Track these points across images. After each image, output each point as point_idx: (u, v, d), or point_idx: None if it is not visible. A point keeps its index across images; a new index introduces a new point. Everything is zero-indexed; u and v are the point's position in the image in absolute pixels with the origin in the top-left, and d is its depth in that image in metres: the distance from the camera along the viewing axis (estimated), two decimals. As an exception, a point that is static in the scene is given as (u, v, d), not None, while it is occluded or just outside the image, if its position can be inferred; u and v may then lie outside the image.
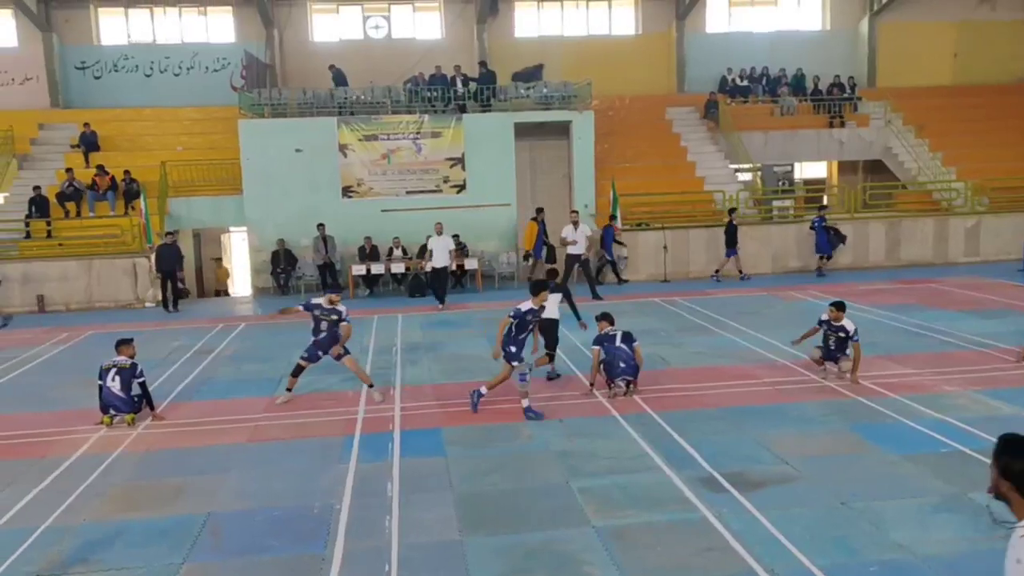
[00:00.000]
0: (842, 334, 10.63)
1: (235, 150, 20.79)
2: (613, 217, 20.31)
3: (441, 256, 17.67)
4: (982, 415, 9.10)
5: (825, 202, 21.36)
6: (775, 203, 22.67)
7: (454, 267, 19.66)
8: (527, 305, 9.86)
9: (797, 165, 27.52)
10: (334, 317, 10.60)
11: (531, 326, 10.04)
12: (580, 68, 23.98)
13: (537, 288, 10.00)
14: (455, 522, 6.86)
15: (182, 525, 6.96)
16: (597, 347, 10.43)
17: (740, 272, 20.24)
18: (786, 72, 27.15)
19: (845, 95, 26.23)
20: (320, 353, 10.65)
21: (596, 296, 17.63)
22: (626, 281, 20.58)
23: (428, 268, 18.02)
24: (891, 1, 27.18)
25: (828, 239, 20.44)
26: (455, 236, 20.13)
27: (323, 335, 10.62)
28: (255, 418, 10.08)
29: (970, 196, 22.31)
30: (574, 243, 17.85)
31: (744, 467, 7.84)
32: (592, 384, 10.55)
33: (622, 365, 10.27)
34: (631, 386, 10.37)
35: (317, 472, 8.13)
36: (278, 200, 20.49)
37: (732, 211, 20.46)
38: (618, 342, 10.36)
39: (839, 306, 10.68)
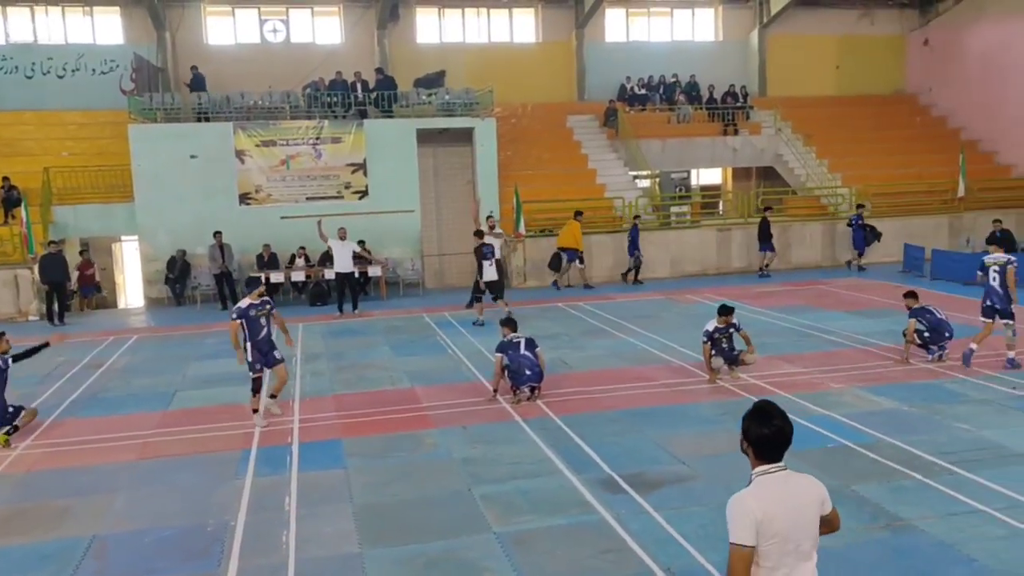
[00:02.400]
0: (731, 330, 11.05)
1: (125, 155, 19.97)
2: (638, 217, 21.00)
3: (345, 262, 17.38)
4: (865, 411, 9.54)
5: (861, 202, 21.55)
6: (673, 209, 23.23)
7: (357, 273, 19.42)
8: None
9: (693, 171, 28.30)
10: (267, 307, 10.03)
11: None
12: (482, 75, 24.06)
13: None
14: (354, 535, 6.76)
15: (65, 549, 6.64)
16: (500, 354, 10.46)
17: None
18: (679, 79, 27.86)
19: (738, 104, 27.14)
20: (266, 351, 9.93)
21: (503, 300, 17.59)
22: (640, 283, 20.72)
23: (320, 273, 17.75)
24: (779, 15, 28.25)
25: (864, 236, 20.99)
26: (360, 242, 19.89)
27: (263, 332, 9.94)
28: (146, 434, 9.70)
29: (854, 201, 23.36)
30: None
31: (642, 468, 8.00)
32: (495, 390, 10.57)
33: (528, 372, 10.33)
34: (535, 391, 10.45)
35: (211, 488, 7.88)
36: (172, 207, 19.81)
37: (767, 209, 21.65)
38: (522, 349, 10.42)
39: (727, 311, 11.06)
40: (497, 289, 16.00)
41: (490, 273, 15.86)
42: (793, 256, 22.44)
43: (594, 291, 19.73)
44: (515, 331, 10.66)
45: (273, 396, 10.25)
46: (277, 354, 10.04)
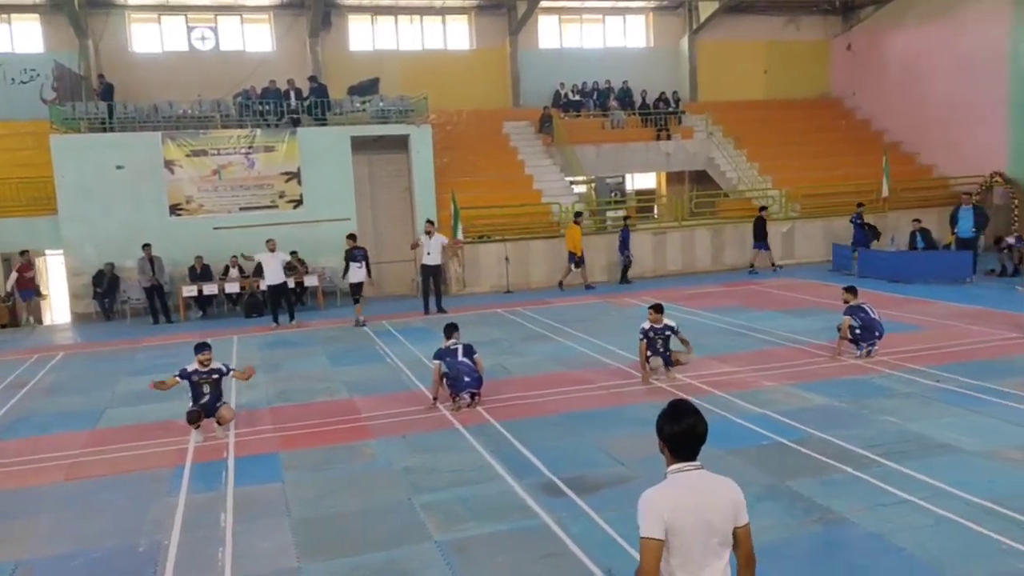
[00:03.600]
0: (667, 332, 11.20)
1: (48, 167, 19.37)
2: (628, 218, 21.66)
3: (275, 274, 17.06)
4: (797, 407, 9.76)
5: (861, 201, 21.80)
6: (609, 213, 23.47)
7: (292, 284, 19.15)
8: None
9: (628, 176, 28.67)
10: (215, 377, 9.74)
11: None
12: (416, 82, 23.98)
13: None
14: (292, 549, 6.65)
15: (-13, 577, 6.39)
16: (438, 361, 10.42)
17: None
18: (612, 85, 28.20)
19: (670, 109, 27.59)
20: (209, 407, 9.69)
21: (440, 309, 17.69)
22: (629, 282, 21.18)
23: (263, 286, 17.45)
24: (708, 21, 28.83)
25: (864, 234, 21.13)
26: (293, 252, 19.61)
27: (206, 398, 9.66)
28: (73, 454, 9.40)
29: (784, 203, 23.95)
30: (417, 246, 17.93)
31: (582, 471, 8.05)
32: (435, 398, 10.52)
33: (467, 379, 10.31)
34: (475, 398, 10.43)
35: (143, 507, 7.67)
36: (98, 220, 19.25)
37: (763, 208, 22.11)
38: (460, 356, 10.40)
39: (657, 309, 11.25)
40: (358, 292, 17.10)
41: (357, 275, 16.99)
42: (726, 257, 22.85)
43: (563, 293, 20.00)
44: (453, 338, 10.63)
45: (219, 423, 9.88)
46: (219, 403, 9.79)
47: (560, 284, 20.83)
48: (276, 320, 17.29)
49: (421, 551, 6.50)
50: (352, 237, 17.40)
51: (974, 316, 14.52)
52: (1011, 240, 18.79)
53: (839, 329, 12.04)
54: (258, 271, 18.44)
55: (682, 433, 3.44)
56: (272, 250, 17.04)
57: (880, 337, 11.96)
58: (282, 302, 17.47)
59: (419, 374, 12.25)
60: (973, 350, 12.10)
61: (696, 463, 3.47)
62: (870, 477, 7.48)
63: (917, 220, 20.94)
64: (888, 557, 6.04)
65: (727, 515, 3.44)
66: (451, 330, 10.70)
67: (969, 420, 8.93)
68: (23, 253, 19.55)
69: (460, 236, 20.46)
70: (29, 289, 19.76)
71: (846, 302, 12.12)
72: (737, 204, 24.81)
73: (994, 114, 23.62)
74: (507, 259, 20.78)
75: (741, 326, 14.78)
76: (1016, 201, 22.58)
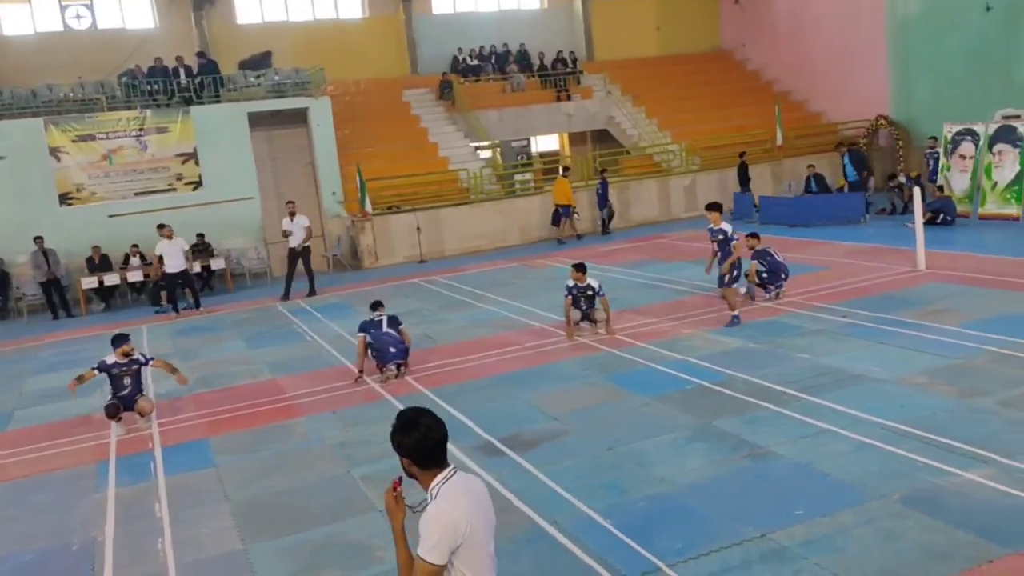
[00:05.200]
0: (589, 292, 11.38)
1: (-81, 162, 18.15)
2: (604, 171, 22.02)
3: (175, 261, 16.47)
4: (715, 351, 10.12)
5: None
6: (516, 177, 23.55)
7: (198, 269, 18.61)
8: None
9: (532, 139, 28.78)
10: (135, 368, 9.44)
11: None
12: (310, 54, 23.36)
13: None
14: (235, 532, 6.56)
15: (-90, 592, 6.09)
16: (362, 333, 10.36)
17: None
18: (510, 48, 28.15)
19: (568, 70, 27.73)
20: (128, 400, 9.37)
21: (312, 291, 17.06)
22: (610, 232, 21.81)
23: (160, 274, 16.76)
24: (600, -21, 29.06)
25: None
26: (200, 235, 19.06)
27: (127, 390, 9.35)
28: (-14, 459, 8.99)
29: (685, 157, 24.50)
30: (291, 233, 16.73)
31: (518, 429, 8.18)
32: (361, 371, 10.46)
33: (392, 350, 10.28)
34: (402, 368, 10.42)
35: (70, 506, 7.41)
36: (-18, 215, 18.20)
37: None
38: (385, 327, 10.35)
39: (579, 267, 11.42)
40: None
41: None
42: (633, 214, 23.26)
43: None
44: (378, 310, 10.57)
45: (140, 415, 9.56)
46: (137, 396, 9.48)
47: (559, 239, 21.30)
48: (176, 309, 16.66)
49: (366, 521, 6.52)
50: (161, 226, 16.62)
51: (870, 253, 15.26)
52: (902, 179, 19.75)
53: (746, 275, 12.48)
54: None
55: (423, 439, 3.13)
56: (169, 236, 16.38)
57: (786, 279, 12.47)
58: (184, 290, 16.87)
59: (341, 349, 12.13)
60: (872, 285, 12.74)
61: (450, 466, 3.21)
62: (790, 411, 7.85)
63: (811, 166, 21.78)
64: (815, 483, 6.37)
65: (492, 514, 3.31)
66: (377, 305, 10.66)
67: (876, 351, 9.44)
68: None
69: (368, 208, 20.23)
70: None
71: (751, 248, 12.55)
72: (640, 161, 25.26)
73: (876, 60, 24.62)
74: (419, 228, 20.64)
75: (653, 278, 15.14)
76: (900, 142, 23.70)
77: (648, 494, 6.51)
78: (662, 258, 17.34)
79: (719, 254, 11.79)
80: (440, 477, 3.17)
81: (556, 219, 21.58)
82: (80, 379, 9.39)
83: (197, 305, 16.85)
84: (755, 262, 12.37)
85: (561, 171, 21.87)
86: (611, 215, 22.21)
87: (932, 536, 5.41)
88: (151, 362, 9.75)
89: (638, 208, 23.34)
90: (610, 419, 8.27)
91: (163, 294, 17.26)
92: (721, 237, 11.65)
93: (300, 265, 17.02)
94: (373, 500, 6.87)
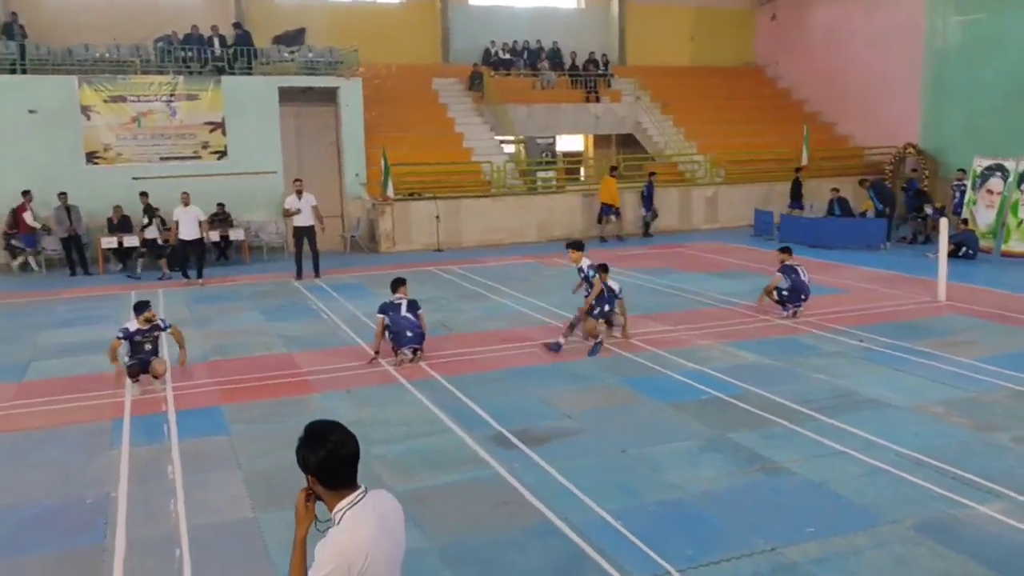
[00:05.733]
0: (609, 293, 11.39)
1: (-47, 109, 18.25)
2: (653, 174, 22.45)
3: (190, 228, 16.51)
4: (731, 364, 10.12)
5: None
6: (539, 174, 23.55)
7: (216, 238, 18.69)
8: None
9: (557, 138, 28.74)
10: (155, 334, 9.62)
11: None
12: (344, 34, 23.41)
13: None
14: (247, 500, 6.61)
15: (-76, 532, 6.15)
16: (382, 315, 10.39)
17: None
18: (543, 45, 28.13)
19: (599, 72, 27.71)
20: (146, 360, 9.54)
21: (317, 274, 16.79)
22: (651, 235, 22.30)
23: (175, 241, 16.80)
24: (638, -16, 29.02)
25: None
26: (220, 205, 19.14)
27: (146, 355, 9.53)
28: (3, 407, 9.04)
29: (709, 168, 24.46)
30: (298, 212, 16.40)
31: (530, 424, 8.19)
32: (377, 352, 10.49)
33: (409, 334, 10.32)
34: (417, 353, 10.45)
35: (85, 460, 7.47)
36: (9, 167, 18.23)
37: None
38: (403, 311, 10.39)
39: (603, 268, 11.43)
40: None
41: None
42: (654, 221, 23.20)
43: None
44: (398, 292, 10.59)
45: (155, 377, 9.64)
46: (153, 358, 9.63)
47: (601, 237, 21.66)
48: (186, 275, 16.75)
49: (378, 501, 6.53)
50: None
51: (890, 280, 15.23)
52: (929, 210, 19.70)
53: (766, 288, 12.46)
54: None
55: (330, 456, 2.86)
56: (186, 204, 16.48)
57: (806, 300, 12.45)
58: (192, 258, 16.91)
59: (357, 330, 12.17)
60: (891, 312, 12.71)
61: (360, 488, 2.94)
62: (806, 430, 7.85)
63: (835, 189, 21.70)
64: (828, 502, 6.38)
65: (402, 539, 3.06)
66: (398, 284, 10.70)
67: (893, 377, 9.43)
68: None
69: (390, 193, 20.26)
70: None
71: (782, 261, 12.55)
72: (663, 168, 25.19)
73: (909, 87, 24.52)
74: (438, 217, 20.67)
75: (671, 287, 15.14)
76: (927, 172, 23.60)
77: (660, 499, 6.53)
78: (681, 267, 17.33)
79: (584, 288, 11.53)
80: (347, 501, 2.88)
81: (600, 217, 21.95)
82: (113, 355, 9.59)
83: (199, 275, 16.79)
84: (780, 275, 12.35)
85: (609, 171, 22.32)
86: (654, 217, 22.49)
87: (946, 565, 5.41)
88: (169, 329, 9.82)
89: (660, 215, 23.29)
90: (624, 422, 8.28)
91: (163, 261, 17.45)
92: (583, 276, 11.40)
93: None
94: (387, 480, 6.90)
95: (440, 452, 7.53)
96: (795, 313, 12.39)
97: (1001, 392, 8.84)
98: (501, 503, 6.53)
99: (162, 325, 9.70)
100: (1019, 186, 17.71)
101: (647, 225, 22.52)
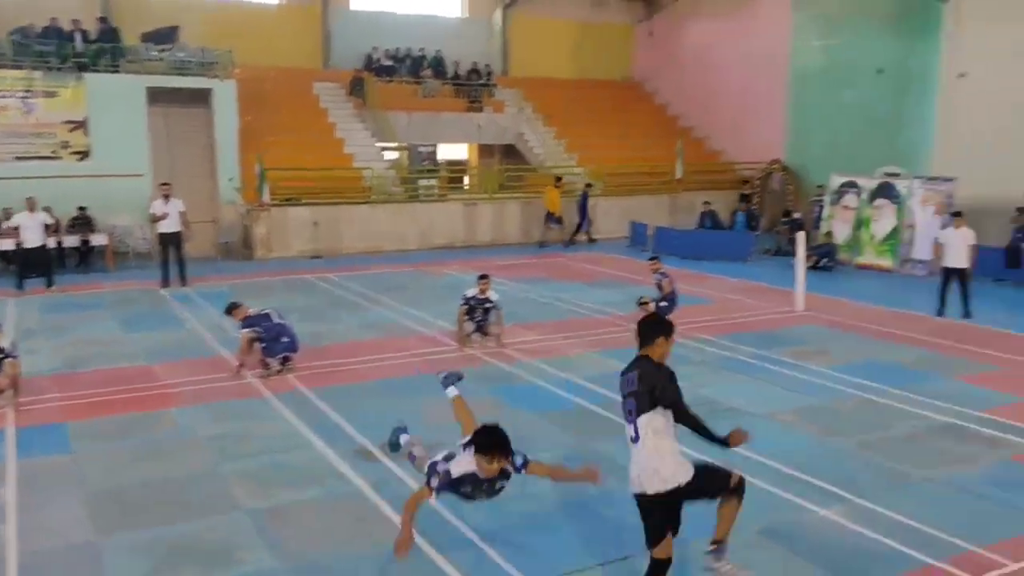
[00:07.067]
0: (488, 304, 11.42)
1: None
2: (589, 185, 23.06)
3: (34, 235, 15.58)
4: (601, 372, 10.26)
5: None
6: (421, 182, 23.44)
7: (77, 243, 17.72)
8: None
9: (440, 146, 28.73)
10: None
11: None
12: (219, 35, 22.65)
13: None
14: (87, 522, 6.24)
15: None
16: (247, 330, 10.03)
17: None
18: (425, 53, 28.03)
19: (482, 82, 27.83)
20: None
21: (183, 281, 16.11)
22: (594, 241, 22.93)
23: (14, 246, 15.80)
24: (521, -4, 29.34)
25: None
26: (82, 208, 18.19)
27: None
28: None
29: (589, 180, 24.89)
30: (164, 217, 15.83)
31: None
32: (241, 364, 10.15)
33: (285, 340, 10.08)
34: (287, 363, 10.17)
35: (-94, 484, 6.89)
36: None
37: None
38: (275, 318, 10.11)
39: (485, 278, 11.47)
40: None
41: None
42: (534, 231, 23.47)
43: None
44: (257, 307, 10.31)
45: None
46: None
47: (540, 243, 22.43)
48: (21, 286, 15.65)
49: (230, 520, 6.31)
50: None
51: (754, 291, 15.87)
52: (796, 215, 20.71)
53: (639, 300, 12.79)
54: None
55: None
56: (32, 209, 15.55)
57: (670, 306, 12.79)
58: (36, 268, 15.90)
59: (223, 340, 11.75)
60: (753, 322, 13.24)
61: None
62: (666, 437, 8.02)
63: (707, 203, 22.53)
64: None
65: None
66: (232, 309, 10.37)
67: (750, 386, 9.80)
68: None
69: (267, 198, 19.73)
70: None
71: (655, 270, 12.89)
72: (545, 180, 25.47)
73: (776, 107, 25.72)
74: (316, 223, 20.25)
75: (548, 296, 15.30)
76: (791, 187, 24.79)
77: (522, 510, 6.54)
78: (558, 277, 17.55)
79: None
80: None
81: (546, 223, 22.81)
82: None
83: (49, 284, 15.84)
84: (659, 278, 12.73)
85: (554, 181, 22.91)
86: (586, 227, 23.03)
87: (786, 569, 5.63)
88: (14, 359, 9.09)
89: (538, 226, 23.56)
90: (491, 433, 8.25)
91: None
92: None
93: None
94: (240, 499, 6.66)
95: (300, 467, 7.33)
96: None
97: (850, 400, 9.31)
98: (360, 519, 6.40)
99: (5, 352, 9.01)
100: (871, 202, 18.82)
101: (574, 232, 22.98)
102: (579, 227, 23.13)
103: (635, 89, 31.94)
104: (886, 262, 18.37)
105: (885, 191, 18.78)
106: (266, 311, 10.18)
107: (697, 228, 22.14)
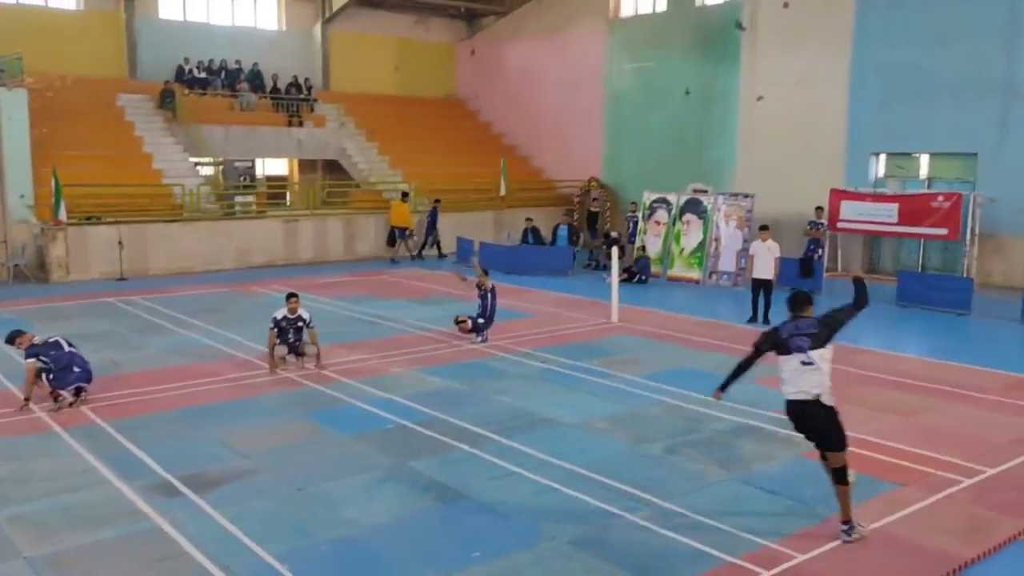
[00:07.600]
0: (300, 323, 11.08)
1: None
2: (437, 201, 23.25)
3: None
4: (421, 390, 10.22)
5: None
6: (238, 199, 22.54)
7: None
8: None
9: (259, 161, 27.77)
10: None
11: None
12: (9, 40, 20.89)
13: None
14: None
15: None
16: (33, 359, 9.21)
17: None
18: (242, 66, 27.08)
19: (302, 96, 27.18)
20: None
21: None
22: (422, 258, 23.06)
23: None
24: (340, 11, 28.85)
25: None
26: None
27: None
28: None
29: (414, 197, 24.83)
30: None
31: (202, 467, 7.65)
32: (27, 399, 9.30)
33: (77, 370, 9.35)
34: (81, 394, 9.42)
35: None
36: None
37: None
38: (66, 347, 9.35)
39: (294, 296, 11.14)
40: None
41: None
42: (358, 248, 23.14)
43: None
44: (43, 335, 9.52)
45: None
46: None
47: (392, 259, 22.43)
48: None
49: (8, 571, 5.74)
50: None
51: (573, 304, 16.32)
52: (614, 234, 21.49)
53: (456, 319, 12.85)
54: None
55: None
56: None
57: (490, 320, 12.94)
58: None
59: (7, 372, 10.73)
60: (570, 334, 13.60)
61: None
62: (485, 453, 8.07)
63: (529, 219, 23.03)
64: (496, 525, 6.57)
65: None
66: (14, 336, 9.58)
67: (566, 396, 10.04)
68: None
69: (63, 216, 18.30)
70: None
71: (479, 285, 12.96)
72: (369, 195, 25.23)
73: (593, 127, 26.73)
74: (121, 243, 18.99)
75: (371, 315, 15.07)
76: (608, 204, 25.78)
77: (333, 536, 6.35)
78: (382, 295, 17.33)
79: None
80: None
81: (392, 240, 22.85)
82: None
83: None
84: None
85: (401, 196, 23.14)
86: (432, 242, 23.28)
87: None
88: None
89: (363, 243, 23.28)
90: (305, 458, 8.00)
91: None
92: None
93: None
94: (20, 546, 6.07)
95: (90, 507, 6.78)
96: (484, 339, 12.82)
97: (658, 406, 9.72)
98: (158, 559, 5.99)
99: None
100: (680, 217, 19.89)
101: (422, 247, 23.24)
102: (426, 242, 23.28)
103: (459, 107, 32.23)
104: (695, 274, 19.43)
105: (692, 207, 19.90)
106: (55, 338, 9.41)
107: (520, 244, 22.56)
